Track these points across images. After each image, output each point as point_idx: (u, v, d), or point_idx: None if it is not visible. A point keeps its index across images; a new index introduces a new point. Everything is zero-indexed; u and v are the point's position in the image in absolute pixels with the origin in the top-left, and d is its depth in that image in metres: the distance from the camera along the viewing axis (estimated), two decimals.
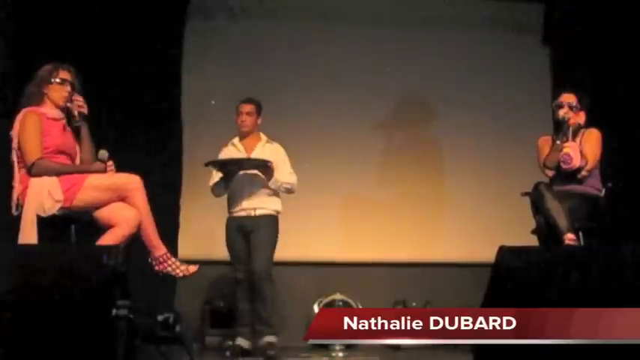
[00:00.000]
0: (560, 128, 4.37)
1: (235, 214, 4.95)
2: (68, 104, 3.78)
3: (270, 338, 4.87)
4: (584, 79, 5.66)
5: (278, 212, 5.00)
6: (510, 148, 6.07)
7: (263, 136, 5.08)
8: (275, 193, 4.97)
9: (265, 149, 5.01)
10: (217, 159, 4.91)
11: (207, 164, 4.85)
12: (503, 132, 6.16)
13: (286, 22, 6.27)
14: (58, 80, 3.75)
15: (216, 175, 4.95)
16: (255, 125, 5.04)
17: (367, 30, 6.28)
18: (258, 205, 4.92)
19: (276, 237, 4.96)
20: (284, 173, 4.94)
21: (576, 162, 4.21)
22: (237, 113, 5.02)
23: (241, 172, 4.87)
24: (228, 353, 4.89)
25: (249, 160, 4.90)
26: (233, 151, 5.03)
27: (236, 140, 5.06)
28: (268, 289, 4.86)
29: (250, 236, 4.89)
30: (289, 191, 5.01)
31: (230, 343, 5.02)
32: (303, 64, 6.19)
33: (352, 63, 6.23)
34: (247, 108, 5.00)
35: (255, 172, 4.88)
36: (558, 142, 4.31)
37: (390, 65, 6.25)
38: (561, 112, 4.36)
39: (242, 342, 4.89)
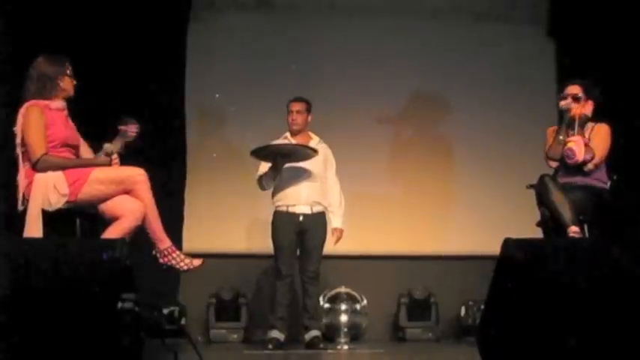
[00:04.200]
0: (561, 120, 4.35)
1: (290, 209, 4.96)
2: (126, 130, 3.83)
3: (316, 332, 5.02)
4: (590, 72, 5.63)
5: (326, 208, 5.07)
6: (516, 141, 6.05)
7: (314, 136, 5.15)
8: (326, 189, 5.04)
9: (319, 147, 5.03)
10: (262, 146, 4.87)
11: (252, 153, 4.85)
12: (509, 125, 6.14)
13: (291, 15, 6.26)
14: (69, 72, 3.77)
15: (264, 166, 4.97)
16: (306, 123, 5.09)
17: (373, 22, 6.27)
18: (315, 201, 4.99)
19: (327, 233, 5.05)
20: (331, 177, 5.10)
21: (580, 157, 4.18)
22: (288, 112, 5.07)
23: (292, 164, 4.91)
24: (270, 346, 4.89)
25: (297, 147, 4.91)
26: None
27: (288, 135, 5.09)
28: (316, 287, 5.03)
29: (306, 235, 4.95)
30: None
31: (268, 336, 5.00)
32: (309, 57, 6.18)
33: (359, 56, 6.21)
34: (297, 106, 5.05)
35: (313, 164, 4.95)
36: (561, 136, 4.28)
37: (396, 59, 6.24)
38: (562, 103, 4.34)
39: (277, 334, 4.93)
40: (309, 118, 5.11)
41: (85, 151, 3.90)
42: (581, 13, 6.00)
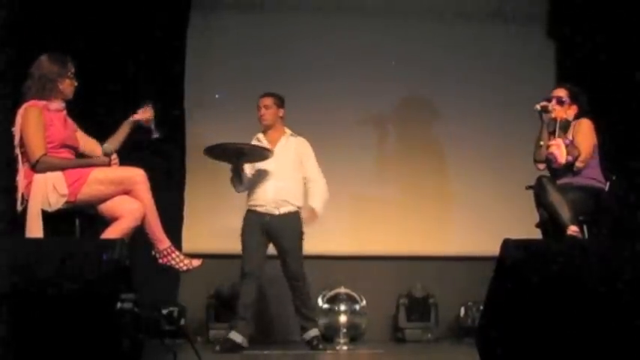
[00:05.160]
0: (541, 121, 4.35)
1: (258, 209, 4.86)
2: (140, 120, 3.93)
3: (314, 332, 4.92)
4: (589, 73, 5.64)
5: (300, 207, 4.92)
6: (516, 141, 6.03)
7: (287, 130, 5.02)
8: (299, 187, 4.91)
9: (289, 143, 4.96)
10: (212, 145, 4.71)
11: (205, 152, 4.74)
12: (508, 125, 6.14)
13: (291, 14, 6.26)
14: (70, 74, 3.77)
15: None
16: (276, 118, 4.97)
17: (373, 23, 6.28)
18: (283, 200, 4.84)
19: (302, 233, 4.91)
20: (311, 169, 4.94)
21: (562, 160, 4.17)
22: (257, 108, 4.96)
23: (261, 164, 4.81)
24: (218, 348, 4.75)
25: (245, 147, 4.73)
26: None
27: (260, 135, 5.00)
28: (305, 288, 4.90)
29: (275, 236, 4.83)
30: (326, 195, 4.96)
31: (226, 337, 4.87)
32: (307, 57, 6.19)
33: (357, 56, 6.21)
34: (265, 101, 4.94)
35: (280, 162, 4.81)
36: (542, 141, 4.29)
37: (395, 58, 6.24)
38: (542, 104, 4.34)
39: (235, 336, 4.74)
40: (281, 112, 4.97)
41: (87, 143, 3.90)
42: (581, 13, 6.01)
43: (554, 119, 4.32)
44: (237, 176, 4.83)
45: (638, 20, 5.66)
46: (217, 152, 4.76)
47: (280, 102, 4.99)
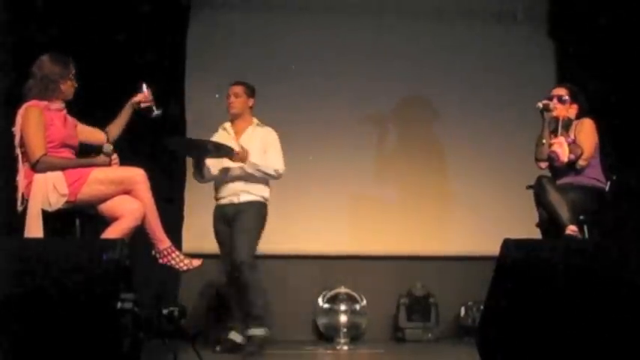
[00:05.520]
0: (542, 120, 4.35)
1: (220, 202, 4.76)
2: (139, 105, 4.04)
3: (256, 331, 4.62)
4: (590, 73, 5.64)
5: (265, 199, 4.76)
6: (516, 141, 6.04)
7: (255, 120, 4.88)
8: (263, 179, 4.74)
9: (255, 133, 4.83)
10: (169, 139, 4.57)
11: (162, 143, 4.54)
12: (509, 125, 6.13)
13: (291, 15, 6.26)
14: (71, 75, 3.78)
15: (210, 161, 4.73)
16: (246, 108, 4.84)
17: (374, 22, 6.27)
18: (242, 191, 4.70)
19: (262, 224, 4.69)
20: (271, 158, 4.74)
21: (564, 158, 4.19)
22: (227, 96, 4.85)
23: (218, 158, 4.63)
24: (218, 348, 4.69)
25: (208, 144, 4.58)
26: (223, 135, 4.82)
27: (227, 124, 4.88)
28: (251, 279, 4.54)
29: (233, 224, 4.65)
30: (271, 177, 4.74)
31: (223, 337, 4.79)
32: (308, 56, 6.17)
33: (357, 55, 6.21)
34: (236, 89, 4.83)
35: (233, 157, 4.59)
36: (544, 140, 4.29)
37: (395, 58, 6.23)
38: (544, 102, 4.34)
39: (234, 336, 4.71)
40: (251, 102, 4.83)
41: (92, 134, 3.96)
42: (581, 13, 6.00)
43: (556, 118, 4.32)
44: (199, 170, 4.70)
45: (638, 20, 5.66)
46: (177, 145, 4.67)
47: (251, 91, 4.86)
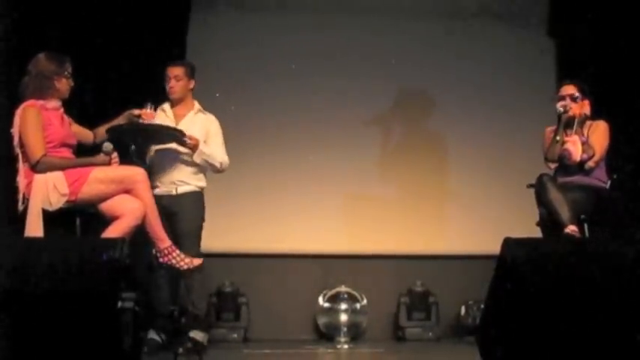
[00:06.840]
0: (559, 121, 4.36)
1: (156, 191, 4.33)
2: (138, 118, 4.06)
3: (195, 334, 4.49)
4: (590, 72, 5.64)
5: (202, 188, 4.55)
6: (516, 141, 6.05)
7: (196, 105, 4.59)
8: (200, 167, 4.49)
9: (196, 119, 4.56)
10: (117, 125, 4.08)
11: (107, 130, 4.03)
12: (509, 124, 6.14)
13: (291, 15, 6.25)
14: (66, 73, 3.78)
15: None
16: (187, 91, 4.54)
17: (374, 21, 6.26)
18: (179, 181, 4.45)
19: (203, 217, 4.51)
20: (214, 149, 4.49)
21: (576, 157, 4.20)
22: (166, 79, 4.50)
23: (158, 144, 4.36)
24: (146, 349, 4.25)
25: (160, 129, 4.22)
26: (161, 117, 4.47)
27: (166, 105, 4.55)
28: (197, 281, 4.44)
29: (173, 219, 4.36)
30: (216, 169, 4.51)
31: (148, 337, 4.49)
32: (307, 56, 6.17)
33: (357, 55, 6.20)
34: (175, 71, 4.49)
35: (173, 145, 4.33)
36: (558, 137, 4.29)
37: (395, 58, 6.23)
38: (559, 105, 4.34)
39: (154, 335, 4.48)
40: (191, 84, 4.54)
41: (81, 133, 3.97)
42: (581, 13, 6.00)
43: (572, 117, 4.32)
44: (140, 159, 4.22)
45: (638, 20, 5.66)
46: (120, 132, 4.08)
47: (191, 72, 4.55)
